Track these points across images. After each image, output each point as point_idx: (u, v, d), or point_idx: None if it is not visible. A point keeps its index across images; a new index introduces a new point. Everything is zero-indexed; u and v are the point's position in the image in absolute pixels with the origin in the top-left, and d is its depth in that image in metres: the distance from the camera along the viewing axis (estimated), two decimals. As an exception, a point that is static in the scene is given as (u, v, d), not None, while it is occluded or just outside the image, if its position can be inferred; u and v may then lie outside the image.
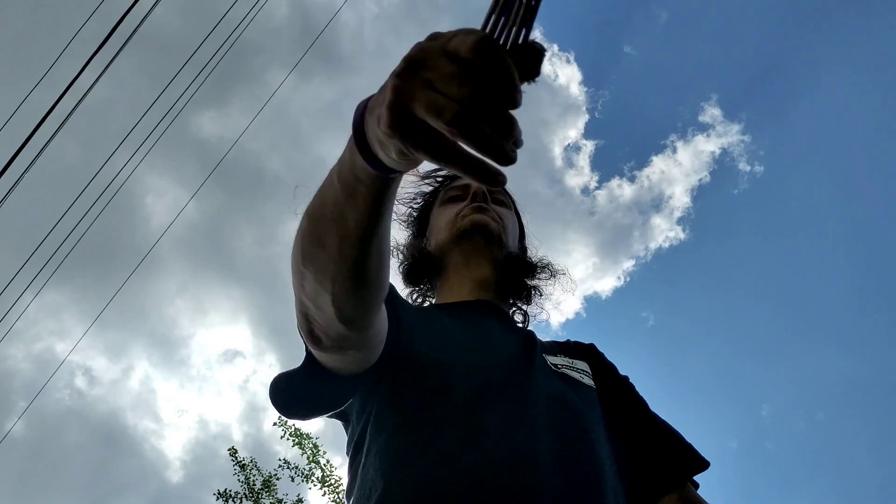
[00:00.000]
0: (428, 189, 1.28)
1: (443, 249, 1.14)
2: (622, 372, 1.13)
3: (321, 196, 0.62)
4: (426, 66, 0.41)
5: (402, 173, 0.54)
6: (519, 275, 1.14)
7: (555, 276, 1.20)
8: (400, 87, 0.42)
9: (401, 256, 1.21)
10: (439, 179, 1.27)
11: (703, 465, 1.02)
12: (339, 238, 0.60)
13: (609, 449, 0.90)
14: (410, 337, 0.88)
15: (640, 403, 1.08)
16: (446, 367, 0.87)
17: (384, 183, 0.55)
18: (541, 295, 1.18)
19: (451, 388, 0.84)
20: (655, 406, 1.09)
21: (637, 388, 1.11)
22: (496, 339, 0.99)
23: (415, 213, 1.27)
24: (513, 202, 1.28)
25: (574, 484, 0.78)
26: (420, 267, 1.16)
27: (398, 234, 1.26)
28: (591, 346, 1.14)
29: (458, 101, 0.39)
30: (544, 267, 1.20)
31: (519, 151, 0.41)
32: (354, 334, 0.71)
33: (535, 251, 1.26)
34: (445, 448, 0.77)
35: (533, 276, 1.17)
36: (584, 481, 0.79)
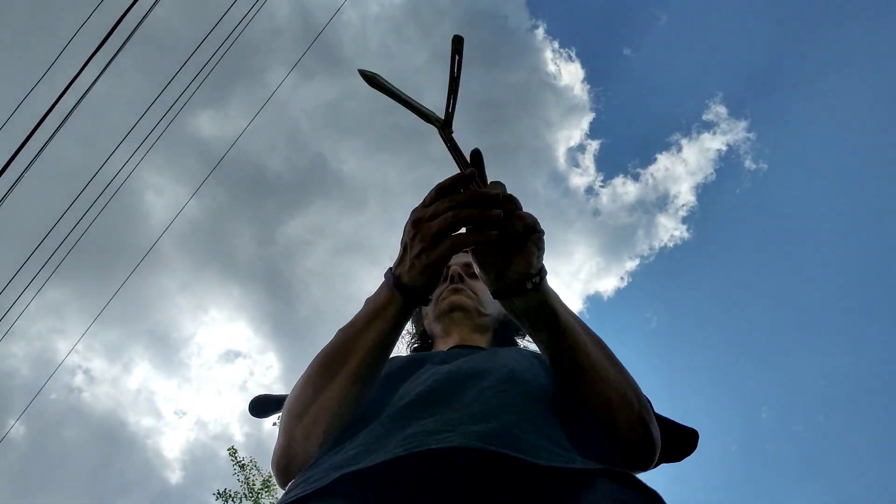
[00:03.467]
0: None
1: (431, 327, 1.32)
2: None
3: (343, 336, 0.88)
4: (422, 217, 0.80)
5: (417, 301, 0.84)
6: (511, 334, 1.30)
7: None
8: (417, 230, 0.80)
9: (408, 336, 1.43)
10: None
11: None
12: (363, 354, 0.85)
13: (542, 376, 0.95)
14: None
15: None
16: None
17: (409, 304, 0.84)
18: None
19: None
20: (656, 407, 1.08)
21: None
22: (446, 353, 1.09)
23: None
24: None
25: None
26: (421, 344, 1.37)
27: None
28: None
29: (436, 213, 0.79)
30: None
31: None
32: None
33: None
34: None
35: (523, 336, 1.31)
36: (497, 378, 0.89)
